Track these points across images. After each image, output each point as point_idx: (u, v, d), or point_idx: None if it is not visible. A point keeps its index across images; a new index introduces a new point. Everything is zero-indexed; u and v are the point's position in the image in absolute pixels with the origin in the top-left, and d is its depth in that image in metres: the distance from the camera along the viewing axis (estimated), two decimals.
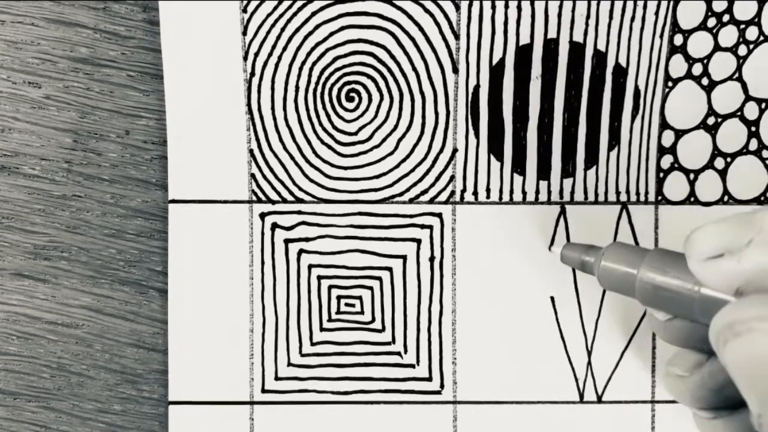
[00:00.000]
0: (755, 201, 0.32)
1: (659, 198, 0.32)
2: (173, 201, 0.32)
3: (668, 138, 0.32)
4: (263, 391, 0.32)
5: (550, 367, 0.32)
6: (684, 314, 0.24)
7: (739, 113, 0.32)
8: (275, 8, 0.31)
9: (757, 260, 0.20)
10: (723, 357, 0.21)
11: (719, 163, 0.32)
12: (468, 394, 0.32)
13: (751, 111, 0.32)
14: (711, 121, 0.32)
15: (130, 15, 0.31)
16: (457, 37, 0.31)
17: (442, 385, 0.32)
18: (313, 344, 0.32)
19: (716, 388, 0.27)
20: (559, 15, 0.31)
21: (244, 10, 0.31)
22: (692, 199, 0.32)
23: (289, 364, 0.32)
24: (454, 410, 0.32)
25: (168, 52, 0.31)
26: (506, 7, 0.31)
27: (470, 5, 0.31)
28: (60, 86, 0.32)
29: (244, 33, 0.31)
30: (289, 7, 0.31)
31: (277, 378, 0.32)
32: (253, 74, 0.31)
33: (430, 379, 0.32)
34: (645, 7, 0.31)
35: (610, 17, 0.31)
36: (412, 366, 0.32)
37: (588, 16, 0.31)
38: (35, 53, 0.32)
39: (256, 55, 0.31)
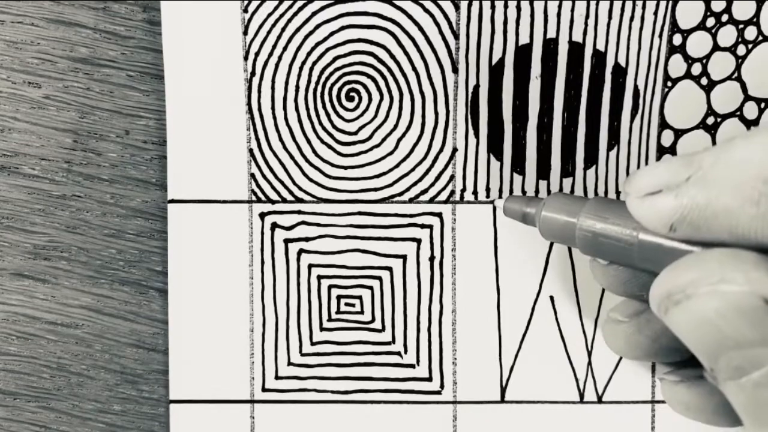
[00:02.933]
0: None
1: None
2: (173, 201, 0.32)
3: (667, 138, 0.32)
4: (264, 390, 0.32)
5: (550, 367, 0.32)
6: (624, 261, 0.24)
7: (738, 113, 0.32)
8: (276, 8, 0.31)
9: (693, 195, 0.20)
10: (668, 323, 0.21)
11: None
12: (468, 394, 0.32)
13: (751, 111, 0.32)
14: (710, 120, 0.32)
15: (130, 15, 0.31)
16: (456, 36, 0.31)
17: (442, 385, 0.32)
18: (313, 344, 0.32)
19: (652, 336, 0.27)
20: (559, 15, 0.31)
21: (245, 10, 0.31)
22: None
23: (290, 364, 0.32)
24: (454, 410, 0.32)
25: (169, 52, 0.31)
26: (506, 6, 0.31)
27: (470, 5, 0.31)
28: (60, 86, 0.32)
29: (245, 33, 0.31)
30: (290, 7, 0.31)
31: (277, 377, 0.32)
32: (253, 74, 0.31)
33: (430, 379, 0.32)
34: (644, 6, 0.31)
35: (609, 17, 0.31)
36: (412, 366, 0.32)
37: (587, 16, 0.31)
38: (35, 53, 0.32)
39: (257, 54, 0.31)
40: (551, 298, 0.32)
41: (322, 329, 0.32)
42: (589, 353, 0.32)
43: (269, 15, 0.31)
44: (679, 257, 0.21)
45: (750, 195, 0.19)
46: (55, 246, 0.32)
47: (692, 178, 0.20)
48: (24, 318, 0.32)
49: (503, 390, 0.32)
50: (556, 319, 0.32)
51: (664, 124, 0.32)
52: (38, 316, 0.32)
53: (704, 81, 0.32)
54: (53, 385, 0.33)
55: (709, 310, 0.20)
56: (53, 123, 0.32)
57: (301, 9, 0.31)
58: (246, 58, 0.31)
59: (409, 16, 0.31)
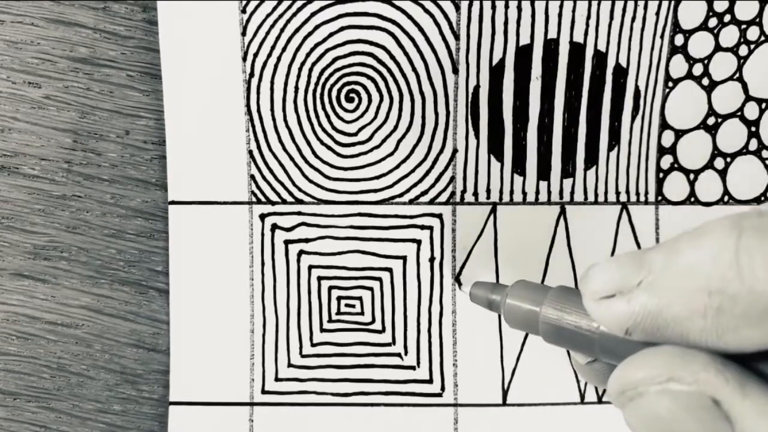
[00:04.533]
0: (755, 201, 0.32)
1: (659, 198, 0.32)
2: (173, 202, 0.32)
3: (668, 138, 0.32)
4: (263, 392, 0.32)
5: (551, 368, 0.32)
6: (586, 353, 0.24)
7: (739, 113, 0.32)
8: (274, 8, 0.31)
9: (644, 302, 0.20)
10: (625, 418, 0.21)
11: (719, 163, 0.32)
12: (469, 396, 0.32)
13: (752, 111, 0.32)
14: (711, 121, 0.32)
15: (130, 15, 0.32)
16: (457, 37, 0.31)
17: (443, 388, 0.32)
18: (313, 345, 0.32)
19: None
20: (560, 15, 0.31)
21: (243, 11, 0.31)
22: (692, 199, 0.32)
23: (290, 365, 0.32)
24: (455, 413, 0.32)
25: (167, 53, 0.31)
26: (506, 7, 0.31)
27: (470, 5, 0.31)
28: (60, 86, 0.32)
29: (243, 33, 0.31)
30: (289, 7, 0.31)
31: (277, 379, 0.32)
32: (252, 75, 0.31)
33: (431, 381, 0.32)
34: (646, 7, 0.31)
35: (611, 17, 0.31)
36: (413, 368, 0.32)
37: (588, 17, 0.31)
38: (35, 53, 0.32)
39: (256, 55, 0.31)
40: None
41: (322, 330, 0.32)
42: None
43: (268, 15, 0.31)
44: (638, 351, 0.21)
45: (697, 307, 0.19)
46: (55, 246, 0.32)
47: (643, 283, 0.20)
48: (24, 318, 0.33)
49: (505, 392, 0.32)
50: None
51: (664, 125, 0.32)
52: (38, 316, 0.33)
53: (705, 81, 0.31)
54: (53, 385, 0.33)
55: (661, 408, 0.20)
56: (53, 123, 0.32)
57: (300, 9, 0.31)
58: (245, 59, 0.31)
59: (409, 17, 0.31)
